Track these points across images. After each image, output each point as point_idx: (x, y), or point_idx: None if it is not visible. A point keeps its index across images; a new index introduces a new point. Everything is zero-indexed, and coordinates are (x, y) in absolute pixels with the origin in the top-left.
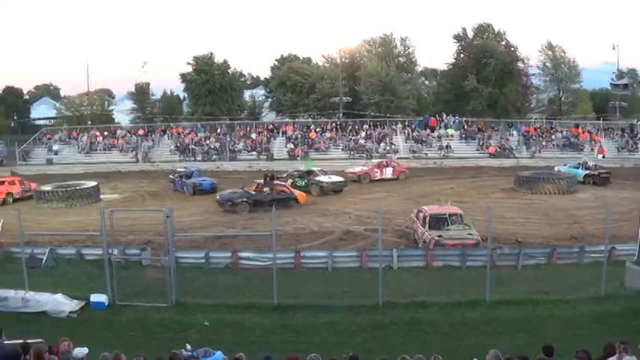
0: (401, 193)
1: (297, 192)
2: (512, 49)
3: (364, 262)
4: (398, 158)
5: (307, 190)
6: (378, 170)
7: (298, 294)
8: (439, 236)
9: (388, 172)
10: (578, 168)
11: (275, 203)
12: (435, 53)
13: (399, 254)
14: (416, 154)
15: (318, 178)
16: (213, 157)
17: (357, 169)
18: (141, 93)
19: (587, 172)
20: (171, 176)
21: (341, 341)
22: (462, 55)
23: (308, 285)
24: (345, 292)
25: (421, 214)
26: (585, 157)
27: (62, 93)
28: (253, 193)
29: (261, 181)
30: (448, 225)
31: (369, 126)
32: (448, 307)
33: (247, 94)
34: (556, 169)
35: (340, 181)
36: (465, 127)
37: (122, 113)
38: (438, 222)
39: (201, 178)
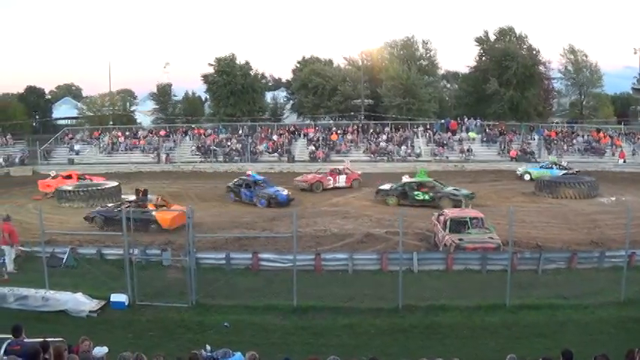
0: None
1: (161, 214)
2: (534, 52)
3: (384, 265)
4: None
5: (432, 204)
6: (331, 178)
7: (318, 296)
8: (460, 240)
9: (341, 180)
10: (551, 168)
11: (132, 223)
12: (457, 56)
13: (420, 257)
14: (437, 157)
15: (447, 190)
16: (235, 158)
17: (309, 176)
18: (163, 94)
19: (565, 171)
20: (230, 184)
21: (360, 344)
22: (483, 58)
23: (328, 287)
24: (364, 294)
25: (442, 218)
26: (553, 157)
27: (84, 93)
28: (111, 208)
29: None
30: (469, 228)
31: (391, 128)
32: (468, 310)
33: (269, 96)
34: (519, 170)
35: (470, 193)
36: (487, 130)
37: (144, 114)
38: (458, 225)
39: (275, 189)
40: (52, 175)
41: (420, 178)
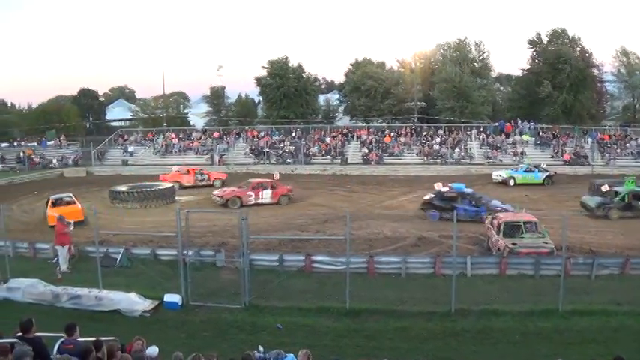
0: None
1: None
2: (587, 55)
3: (438, 269)
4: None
5: None
6: (252, 194)
7: (371, 299)
8: (513, 244)
9: (266, 196)
10: (534, 172)
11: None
12: (510, 58)
13: (473, 261)
14: (490, 161)
15: None
16: (288, 160)
17: (227, 190)
18: (216, 96)
19: (547, 174)
20: (426, 197)
21: (412, 347)
22: (536, 60)
23: (380, 290)
24: (417, 298)
25: (495, 222)
26: (528, 160)
27: (137, 95)
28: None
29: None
30: (522, 233)
31: (444, 131)
32: (520, 315)
33: (322, 99)
34: (500, 175)
35: None
36: (540, 133)
37: (197, 116)
38: (512, 230)
39: (495, 202)
40: (175, 170)
41: (629, 187)
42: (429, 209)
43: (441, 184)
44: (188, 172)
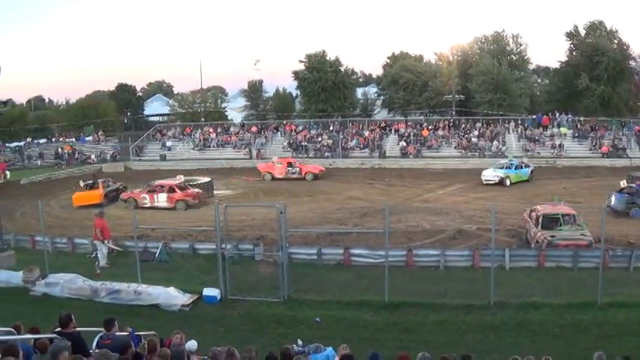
0: (515, 194)
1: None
2: (624, 47)
3: (476, 262)
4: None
5: None
6: (147, 196)
7: (409, 292)
8: (552, 236)
9: (161, 199)
10: (521, 168)
11: None
12: (547, 51)
13: (512, 254)
14: (528, 153)
15: None
16: (326, 154)
17: (136, 190)
18: (254, 90)
19: (531, 168)
20: (623, 195)
21: (451, 340)
22: (574, 53)
23: (419, 283)
24: (456, 291)
25: (534, 214)
26: (511, 156)
27: (175, 90)
28: None
29: None
30: (561, 225)
31: (482, 124)
32: (559, 308)
33: (359, 92)
34: (487, 175)
35: None
36: (578, 126)
37: (235, 110)
38: (550, 222)
39: None
40: (274, 160)
41: None
42: (631, 207)
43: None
44: (282, 163)
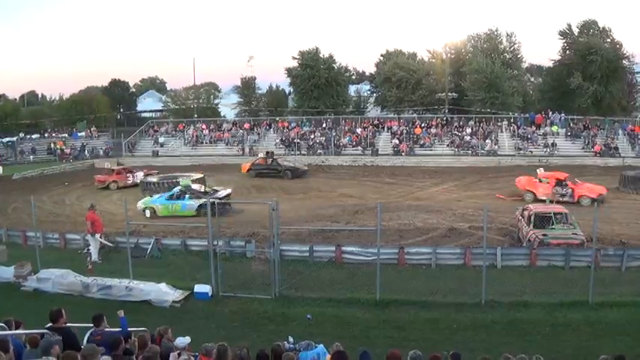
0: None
1: None
2: (618, 46)
3: (468, 260)
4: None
5: None
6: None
7: (401, 290)
8: (544, 235)
9: None
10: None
11: None
12: (541, 50)
13: (504, 253)
14: (521, 152)
15: None
16: (318, 151)
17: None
18: (247, 87)
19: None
20: None
21: (442, 339)
22: (567, 51)
23: (411, 281)
24: (447, 289)
25: (526, 213)
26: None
27: (168, 86)
28: None
29: None
30: (553, 224)
31: (475, 122)
32: (550, 307)
33: (352, 89)
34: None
35: None
36: (571, 124)
37: (228, 107)
38: (542, 221)
39: None
40: (539, 173)
41: None
42: None
43: None
44: (548, 180)
